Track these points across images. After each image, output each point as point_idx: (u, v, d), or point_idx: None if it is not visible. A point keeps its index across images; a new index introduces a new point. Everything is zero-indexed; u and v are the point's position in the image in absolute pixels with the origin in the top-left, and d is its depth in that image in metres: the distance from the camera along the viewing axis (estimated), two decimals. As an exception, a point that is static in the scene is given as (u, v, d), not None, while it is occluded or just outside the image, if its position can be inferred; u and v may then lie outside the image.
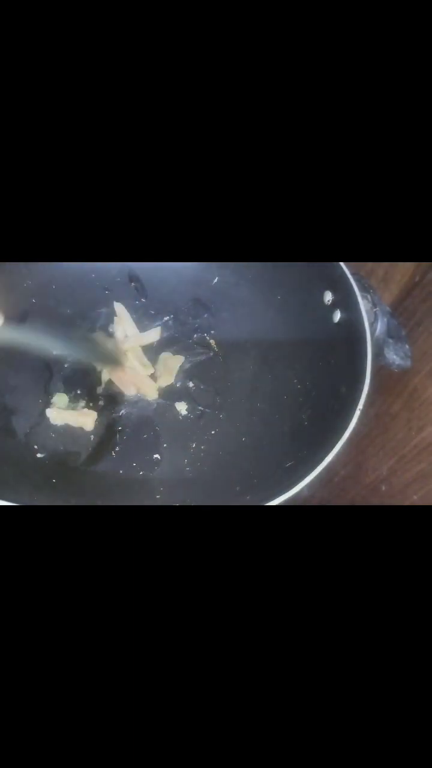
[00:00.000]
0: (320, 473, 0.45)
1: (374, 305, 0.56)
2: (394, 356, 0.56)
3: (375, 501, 0.71)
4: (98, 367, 0.60)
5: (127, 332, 0.62)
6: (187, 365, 0.63)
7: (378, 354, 0.56)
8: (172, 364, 0.62)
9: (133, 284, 0.66)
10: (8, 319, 0.51)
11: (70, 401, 0.58)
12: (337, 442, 0.46)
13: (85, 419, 0.56)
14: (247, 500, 0.51)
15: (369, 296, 0.56)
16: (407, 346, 0.57)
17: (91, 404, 0.59)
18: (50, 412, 0.56)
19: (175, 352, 0.63)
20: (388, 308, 0.58)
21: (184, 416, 0.59)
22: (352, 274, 0.55)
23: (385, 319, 0.56)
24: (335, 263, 0.56)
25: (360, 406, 0.48)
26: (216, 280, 0.67)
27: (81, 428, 0.57)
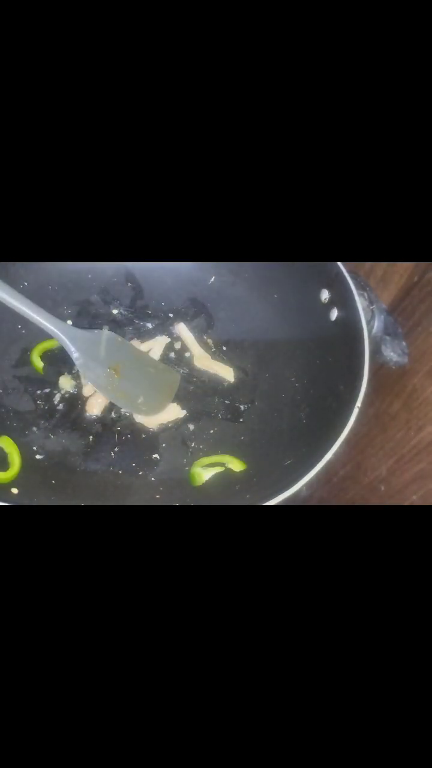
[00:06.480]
0: (319, 472, 0.45)
1: (371, 303, 0.56)
2: (392, 353, 0.56)
3: (374, 501, 0.71)
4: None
5: (193, 352, 0.63)
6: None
7: (375, 351, 0.56)
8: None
9: (129, 284, 0.66)
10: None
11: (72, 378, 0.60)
12: (336, 440, 0.46)
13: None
14: (247, 499, 0.51)
15: (365, 294, 0.56)
16: (404, 343, 0.57)
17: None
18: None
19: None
20: (384, 306, 0.58)
21: (184, 416, 0.59)
22: (349, 272, 0.55)
23: (382, 317, 0.56)
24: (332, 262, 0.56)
25: (358, 403, 0.48)
26: (212, 280, 0.67)
27: (77, 433, 0.57)
